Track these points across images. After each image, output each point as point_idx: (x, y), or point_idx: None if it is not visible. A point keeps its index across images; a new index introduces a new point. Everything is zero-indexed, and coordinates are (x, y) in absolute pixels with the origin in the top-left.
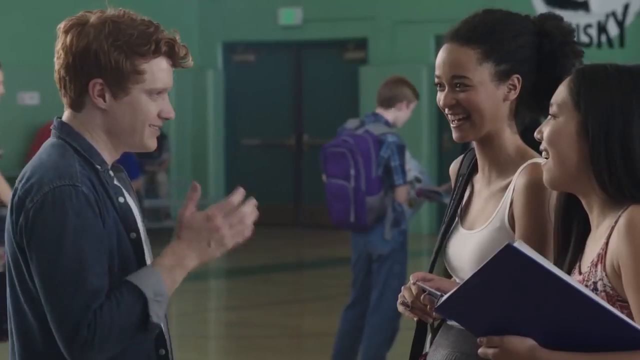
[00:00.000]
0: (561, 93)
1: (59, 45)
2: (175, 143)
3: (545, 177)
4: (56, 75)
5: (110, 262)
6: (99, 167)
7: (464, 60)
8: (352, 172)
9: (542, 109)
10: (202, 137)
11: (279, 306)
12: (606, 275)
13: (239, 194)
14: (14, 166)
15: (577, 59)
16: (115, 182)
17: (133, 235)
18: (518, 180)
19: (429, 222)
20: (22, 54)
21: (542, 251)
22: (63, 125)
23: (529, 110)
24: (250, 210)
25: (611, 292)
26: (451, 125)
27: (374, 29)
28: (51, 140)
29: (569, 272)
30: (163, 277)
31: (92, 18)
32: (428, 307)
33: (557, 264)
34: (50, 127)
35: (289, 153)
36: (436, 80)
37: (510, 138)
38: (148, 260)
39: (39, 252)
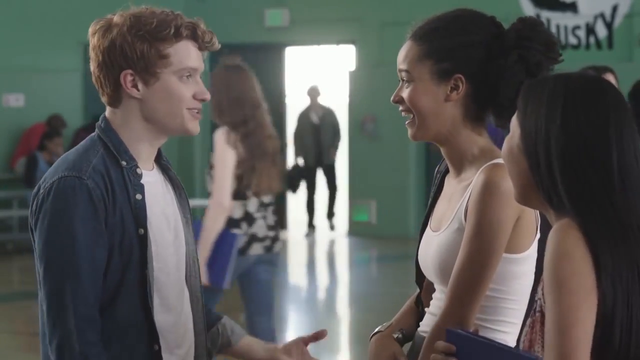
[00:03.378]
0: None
1: (90, 48)
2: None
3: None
4: (93, 77)
5: (109, 255)
6: (124, 163)
7: (409, 54)
8: None
9: (497, 115)
10: (188, 139)
11: None
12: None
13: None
14: None
15: (528, 65)
16: (142, 180)
17: (141, 231)
18: (476, 178)
19: (415, 225)
20: (7, 56)
21: (483, 253)
22: (103, 121)
23: (493, 113)
24: None
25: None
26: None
27: (361, 31)
28: (92, 134)
29: None
30: None
31: (115, 17)
32: None
33: None
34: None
35: None
36: None
37: (471, 140)
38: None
39: (40, 236)
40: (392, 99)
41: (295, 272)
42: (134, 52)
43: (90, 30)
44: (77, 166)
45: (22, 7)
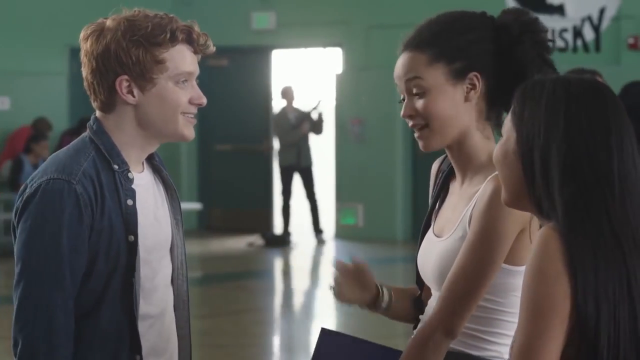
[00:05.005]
0: (509, 112)
1: (82, 54)
2: None
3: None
4: (85, 83)
5: (94, 260)
6: (116, 166)
7: (415, 64)
8: None
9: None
10: (175, 142)
11: (252, 314)
12: None
13: None
14: None
15: (540, 49)
16: (134, 184)
17: (131, 238)
18: (484, 187)
19: (403, 228)
20: None
21: (481, 262)
22: (95, 122)
23: (506, 110)
24: None
25: None
26: (415, 135)
27: (348, 34)
28: (83, 134)
29: None
30: None
31: (108, 21)
32: None
33: None
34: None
35: (263, 158)
36: (399, 92)
37: (481, 143)
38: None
39: (20, 236)
40: (403, 113)
41: (281, 275)
42: (129, 58)
43: (82, 34)
44: (68, 169)
45: (7, 9)
